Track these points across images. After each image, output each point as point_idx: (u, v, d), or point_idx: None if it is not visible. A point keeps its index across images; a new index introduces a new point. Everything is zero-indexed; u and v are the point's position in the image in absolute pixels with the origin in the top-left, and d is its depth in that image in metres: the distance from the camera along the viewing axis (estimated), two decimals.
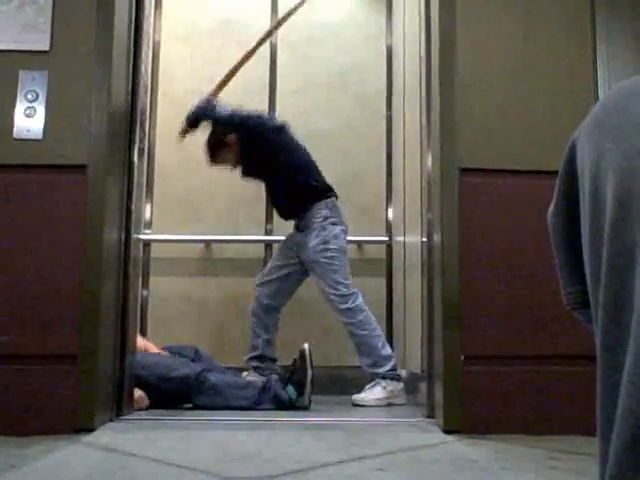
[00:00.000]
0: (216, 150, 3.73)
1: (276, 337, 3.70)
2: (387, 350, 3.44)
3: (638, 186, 0.60)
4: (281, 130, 3.69)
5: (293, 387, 3.12)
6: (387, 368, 3.38)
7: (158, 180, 4.37)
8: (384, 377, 3.36)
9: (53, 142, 2.35)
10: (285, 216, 3.78)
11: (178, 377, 3.03)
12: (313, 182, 3.63)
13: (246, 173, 3.79)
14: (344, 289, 3.45)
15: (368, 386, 3.35)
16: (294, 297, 3.77)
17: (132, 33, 2.65)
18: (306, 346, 3.21)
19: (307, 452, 1.94)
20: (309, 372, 3.14)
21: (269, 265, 3.77)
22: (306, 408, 3.11)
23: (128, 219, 2.59)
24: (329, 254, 3.49)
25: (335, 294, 3.44)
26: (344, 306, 3.42)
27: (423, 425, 2.45)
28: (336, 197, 3.66)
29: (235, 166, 3.80)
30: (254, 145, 3.65)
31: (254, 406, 3.05)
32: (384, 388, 3.33)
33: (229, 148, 3.71)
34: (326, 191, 3.63)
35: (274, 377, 3.28)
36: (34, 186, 2.33)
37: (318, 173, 3.69)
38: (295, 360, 3.22)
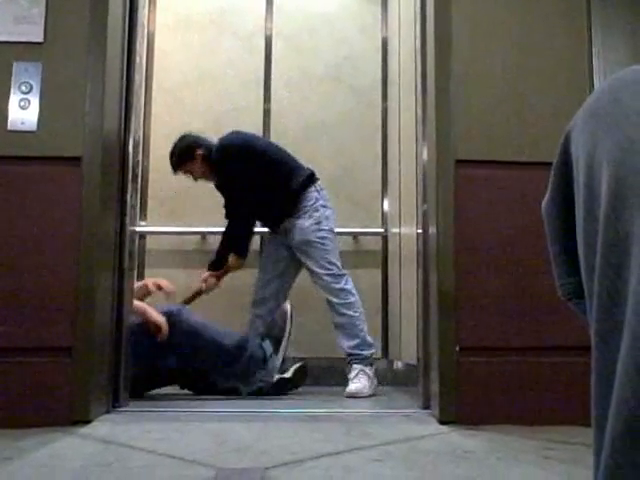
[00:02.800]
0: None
1: None
2: (370, 337, 3.49)
3: (632, 177, 0.61)
4: (257, 152, 3.66)
5: (270, 341, 3.16)
6: (369, 352, 3.44)
7: (153, 172, 4.37)
8: (365, 358, 3.39)
9: (47, 134, 2.34)
10: (280, 220, 3.67)
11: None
12: (301, 179, 3.62)
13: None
14: (336, 269, 3.49)
15: (352, 375, 3.36)
16: None
17: (126, 24, 2.63)
18: (288, 306, 3.26)
19: (303, 443, 1.94)
20: (287, 329, 3.19)
21: (264, 269, 3.72)
22: (276, 372, 3.13)
23: (123, 211, 2.58)
24: (322, 234, 3.53)
25: (327, 274, 3.47)
26: (337, 286, 3.45)
27: (419, 416, 2.46)
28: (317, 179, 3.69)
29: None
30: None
31: (230, 363, 3.06)
32: (369, 376, 3.37)
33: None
34: (311, 177, 3.65)
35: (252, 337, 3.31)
36: (29, 178, 2.33)
37: (300, 166, 3.68)
38: (273, 318, 3.27)
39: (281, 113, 4.50)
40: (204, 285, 3.77)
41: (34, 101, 2.35)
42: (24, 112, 2.34)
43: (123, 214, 2.58)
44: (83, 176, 2.33)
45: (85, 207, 2.31)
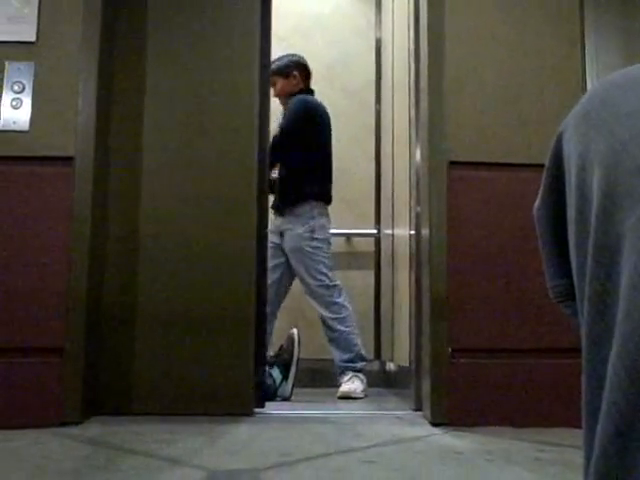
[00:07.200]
0: None
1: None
2: (362, 349, 3.50)
3: (623, 179, 0.61)
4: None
5: (278, 369, 3.14)
6: (362, 365, 3.46)
7: None
8: (358, 370, 3.42)
9: (40, 134, 2.34)
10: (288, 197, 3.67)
11: None
12: (328, 188, 3.68)
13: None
14: (327, 280, 3.46)
15: (345, 379, 3.37)
16: None
17: None
18: (295, 330, 3.25)
19: (295, 445, 1.94)
20: (295, 354, 3.17)
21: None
22: (287, 399, 3.12)
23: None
24: (314, 243, 3.49)
25: (319, 285, 3.44)
26: (330, 299, 3.43)
27: (410, 418, 2.46)
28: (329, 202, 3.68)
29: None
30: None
31: None
32: (361, 380, 3.39)
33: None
34: (329, 197, 3.68)
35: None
36: (20, 178, 2.32)
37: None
38: (282, 345, 3.26)
39: (274, 113, 4.49)
40: None
41: (26, 101, 2.34)
42: (16, 112, 2.34)
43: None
44: (75, 176, 2.32)
45: (77, 207, 2.31)
